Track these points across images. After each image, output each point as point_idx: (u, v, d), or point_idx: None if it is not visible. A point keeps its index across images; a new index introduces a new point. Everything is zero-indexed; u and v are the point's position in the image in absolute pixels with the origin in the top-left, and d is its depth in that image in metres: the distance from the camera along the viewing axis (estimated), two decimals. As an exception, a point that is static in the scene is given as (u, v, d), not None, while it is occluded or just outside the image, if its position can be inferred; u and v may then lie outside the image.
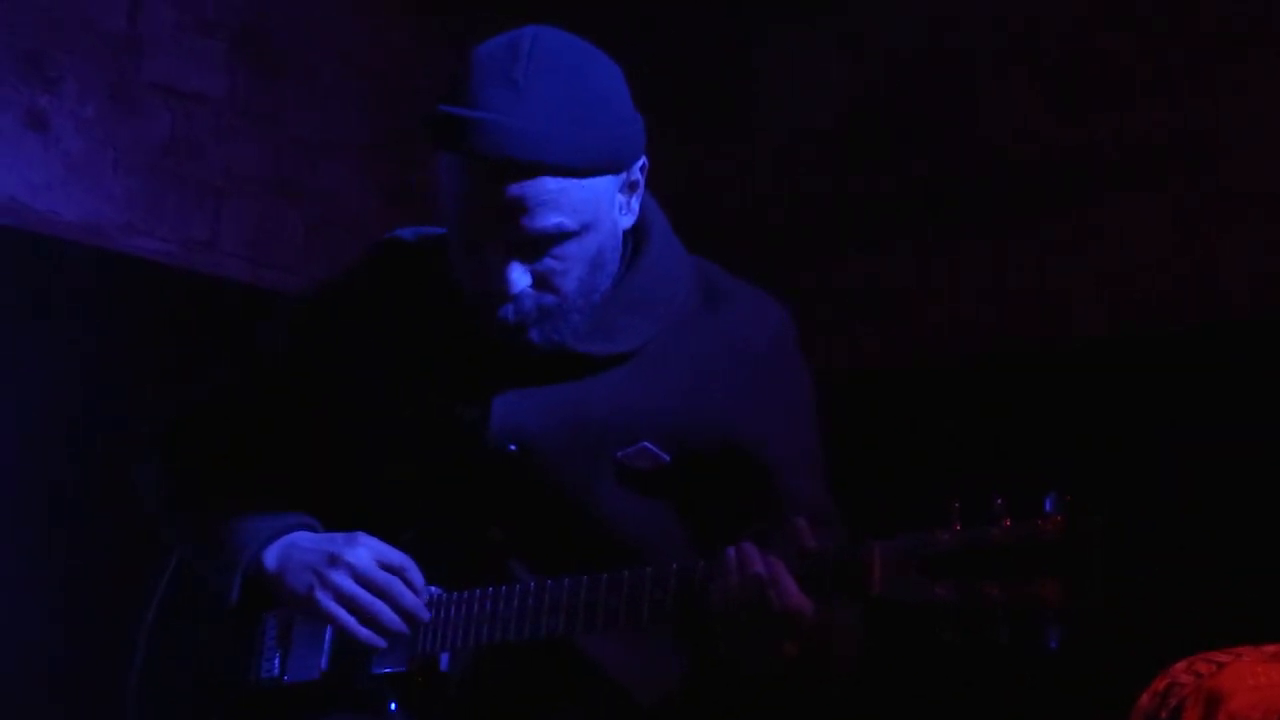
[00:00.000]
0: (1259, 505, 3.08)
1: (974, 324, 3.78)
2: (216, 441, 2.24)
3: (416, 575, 2.03)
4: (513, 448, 2.02)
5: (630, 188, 2.00)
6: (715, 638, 1.81)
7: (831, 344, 3.81)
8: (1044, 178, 3.68)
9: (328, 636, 2.10)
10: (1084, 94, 3.63)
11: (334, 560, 2.02)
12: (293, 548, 2.07)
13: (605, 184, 1.95)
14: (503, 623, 1.96)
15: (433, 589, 2.04)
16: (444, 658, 2.03)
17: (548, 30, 1.94)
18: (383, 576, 2.01)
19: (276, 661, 2.13)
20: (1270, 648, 2.22)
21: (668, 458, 2.02)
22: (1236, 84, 3.40)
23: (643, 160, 2.00)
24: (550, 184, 1.88)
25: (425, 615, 2.02)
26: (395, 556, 2.03)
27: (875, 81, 3.93)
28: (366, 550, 2.03)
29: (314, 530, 2.11)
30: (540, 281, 1.94)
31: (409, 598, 2.01)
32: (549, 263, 1.94)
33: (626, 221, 2.02)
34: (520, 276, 1.93)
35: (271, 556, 2.07)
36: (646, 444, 2.01)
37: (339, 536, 2.06)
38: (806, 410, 2.11)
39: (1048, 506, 1.60)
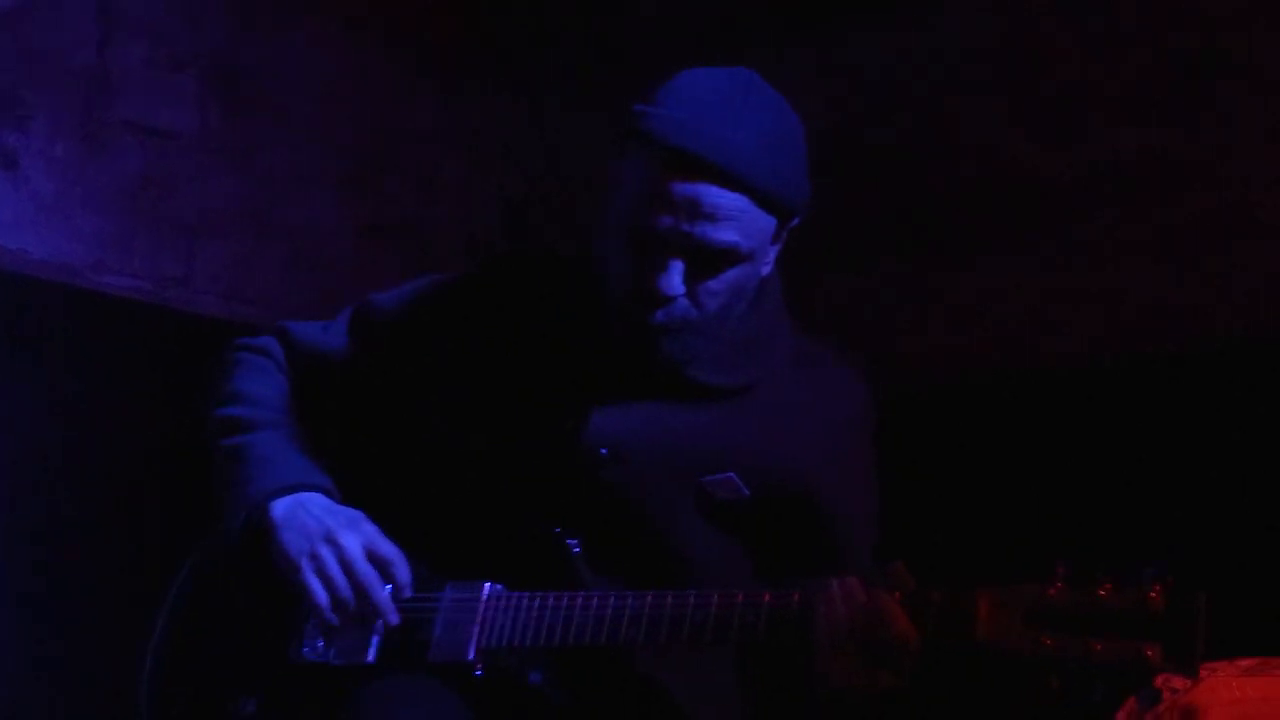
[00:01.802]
0: (1240, 522, 3.08)
1: (953, 349, 3.78)
2: (305, 376, 2.31)
3: (402, 572, 2.09)
4: (604, 451, 2.08)
5: (779, 237, 2.09)
6: (807, 665, 1.87)
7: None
8: (1023, 202, 3.69)
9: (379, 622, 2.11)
10: (1062, 118, 3.65)
11: (328, 537, 2.08)
12: (300, 508, 2.12)
13: (773, 226, 2.05)
14: (577, 627, 1.98)
15: (498, 586, 2.06)
16: (504, 654, 2.03)
17: (755, 74, 2.07)
18: (364, 569, 2.07)
19: (321, 642, 2.13)
20: (1245, 661, 2.23)
21: (748, 492, 2.09)
22: (1215, 106, 3.41)
23: (797, 220, 2.09)
24: (743, 203, 1.97)
25: (393, 619, 2.07)
26: (386, 549, 2.09)
27: (854, 108, 3.95)
28: (360, 537, 2.09)
29: (329, 496, 2.16)
30: (692, 294, 2.02)
31: (382, 598, 2.07)
32: (708, 280, 2.02)
33: (765, 269, 2.11)
34: (681, 283, 2.00)
35: (280, 508, 2.12)
36: (732, 474, 2.08)
37: (342, 513, 2.12)
38: (874, 478, 2.21)
39: (1148, 575, 1.72)
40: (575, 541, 2.07)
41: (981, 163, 3.76)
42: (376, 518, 2.15)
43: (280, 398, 2.29)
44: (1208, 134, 3.42)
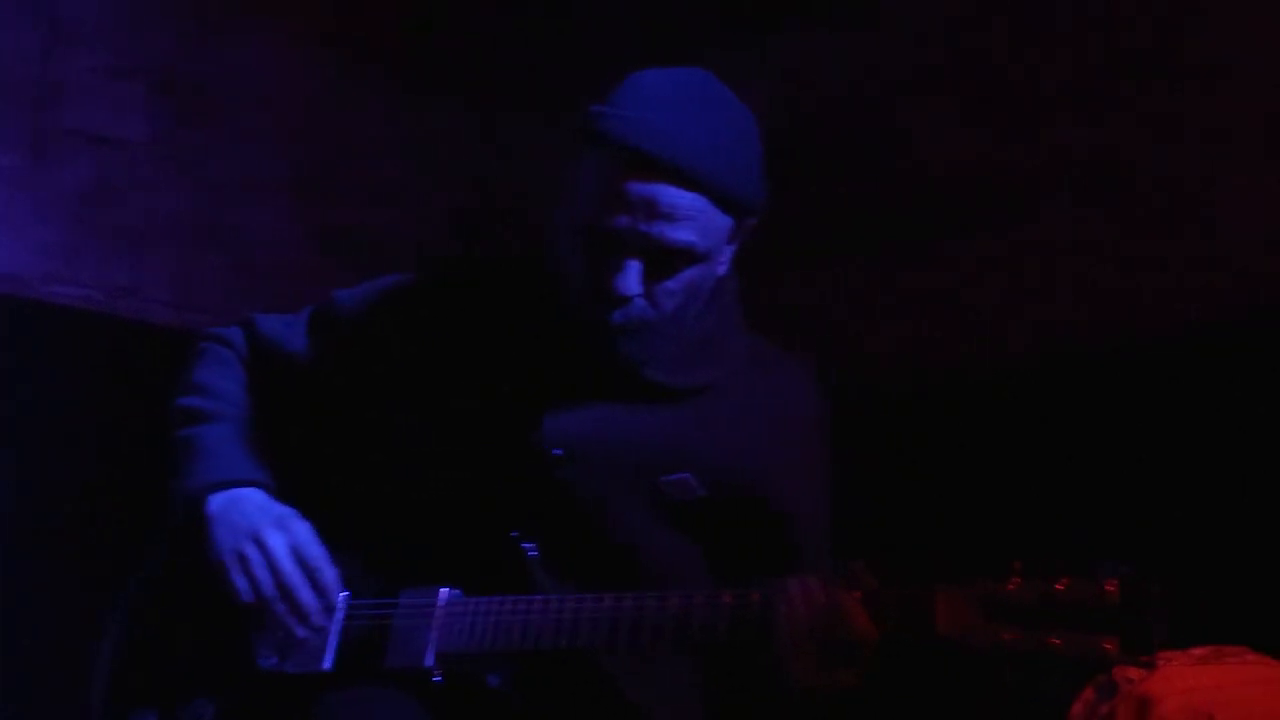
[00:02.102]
0: (1186, 513, 3.12)
1: (916, 346, 3.81)
2: (267, 369, 2.31)
3: (328, 577, 2.09)
4: (558, 451, 2.08)
5: (734, 238, 2.09)
6: (768, 665, 1.88)
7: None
8: (970, 199, 3.71)
9: (335, 628, 2.11)
10: (1006, 115, 3.67)
11: (256, 536, 2.08)
12: (234, 505, 2.12)
13: (730, 225, 2.05)
14: (536, 631, 1.98)
15: (455, 591, 2.06)
16: (462, 659, 2.03)
17: (710, 74, 2.09)
18: (288, 569, 2.08)
19: (277, 649, 2.12)
20: (1198, 651, 2.26)
21: (704, 492, 2.10)
22: (1156, 102, 3.45)
23: (753, 220, 2.09)
24: (700, 202, 1.98)
25: (317, 620, 2.08)
26: (313, 551, 2.10)
27: (803, 110, 3.96)
28: (286, 536, 2.09)
29: (268, 493, 2.16)
30: (649, 294, 2.03)
31: (306, 599, 2.08)
32: (665, 280, 2.03)
33: (722, 269, 2.11)
34: (638, 283, 2.01)
35: (215, 503, 2.12)
36: (688, 475, 2.09)
37: (274, 511, 2.12)
38: (828, 479, 2.22)
39: (1104, 568, 1.75)
40: (532, 545, 2.07)
41: (938, 159, 3.78)
42: (331, 518, 2.15)
43: (238, 390, 2.29)
44: (1153, 127, 3.46)
